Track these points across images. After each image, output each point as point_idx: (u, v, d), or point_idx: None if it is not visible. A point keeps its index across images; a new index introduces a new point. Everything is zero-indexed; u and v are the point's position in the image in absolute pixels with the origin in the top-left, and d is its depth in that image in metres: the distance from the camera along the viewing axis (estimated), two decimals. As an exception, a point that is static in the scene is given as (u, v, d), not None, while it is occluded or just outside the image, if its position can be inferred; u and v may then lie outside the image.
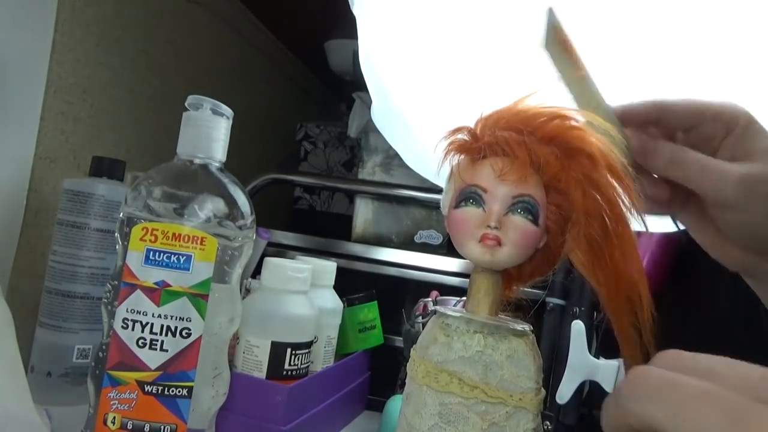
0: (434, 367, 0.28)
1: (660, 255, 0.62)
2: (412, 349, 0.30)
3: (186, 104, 0.44)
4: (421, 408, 0.28)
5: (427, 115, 0.49)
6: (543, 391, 0.29)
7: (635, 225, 0.28)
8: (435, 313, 0.30)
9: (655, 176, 0.36)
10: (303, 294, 0.50)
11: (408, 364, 0.30)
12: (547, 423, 0.56)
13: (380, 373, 0.66)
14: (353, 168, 1.05)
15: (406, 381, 0.30)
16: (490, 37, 0.40)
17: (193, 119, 0.44)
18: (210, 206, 0.42)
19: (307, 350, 0.50)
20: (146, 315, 0.40)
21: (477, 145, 0.28)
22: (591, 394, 0.57)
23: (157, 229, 0.40)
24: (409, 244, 0.76)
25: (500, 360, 0.27)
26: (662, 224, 0.40)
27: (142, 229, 0.40)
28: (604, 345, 0.56)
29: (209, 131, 0.44)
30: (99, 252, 0.52)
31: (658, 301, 0.28)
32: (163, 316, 0.40)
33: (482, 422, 0.27)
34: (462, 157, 0.29)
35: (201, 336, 0.41)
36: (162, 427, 0.40)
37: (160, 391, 0.40)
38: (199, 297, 0.41)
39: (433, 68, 0.46)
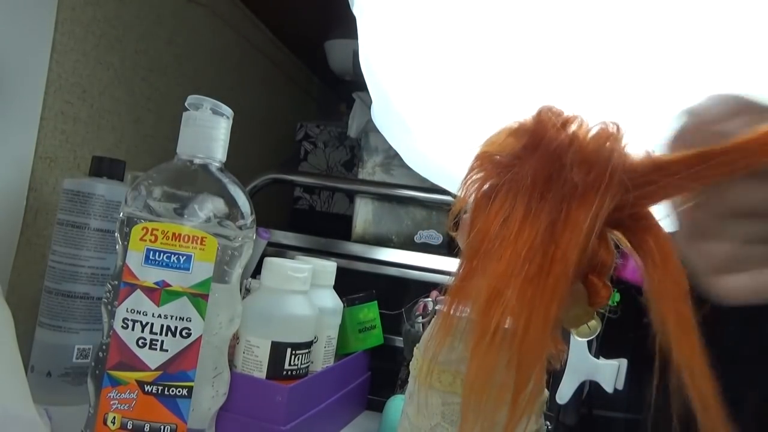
0: (437, 367, 0.28)
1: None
2: (415, 348, 0.30)
3: (186, 104, 0.44)
4: (423, 407, 0.28)
5: (427, 116, 0.49)
6: (546, 392, 0.29)
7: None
8: (438, 313, 0.30)
9: None
10: (303, 294, 0.50)
11: (411, 363, 0.30)
12: (548, 423, 0.56)
13: (380, 373, 0.65)
14: (353, 168, 1.05)
15: (409, 380, 0.30)
16: (491, 37, 0.40)
17: (193, 119, 0.43)
18: (210, 206, 0.42)
19: (307, 350, 0.50)
20: (146, 315, 0.40)
21: None
22: (591, 394, 0.57)
23: (157, 229, 0.40)
24: (409, 244, 0.76)
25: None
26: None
27: (142, 229, 0.40)
28: (604, 345, 0.56)
29: (209, 131, 0.44)
30: (99, 252, 0.52)
31: None
32: (163, 316, 0.40)
33: (484, 422, 0.27)
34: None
35: (201, 336, 0.41)
36: (162, 427, 0.40)
37: (160, 391, 0.40)
38: (199, 297, 0.41)
39: (434, 68, 0.46)
